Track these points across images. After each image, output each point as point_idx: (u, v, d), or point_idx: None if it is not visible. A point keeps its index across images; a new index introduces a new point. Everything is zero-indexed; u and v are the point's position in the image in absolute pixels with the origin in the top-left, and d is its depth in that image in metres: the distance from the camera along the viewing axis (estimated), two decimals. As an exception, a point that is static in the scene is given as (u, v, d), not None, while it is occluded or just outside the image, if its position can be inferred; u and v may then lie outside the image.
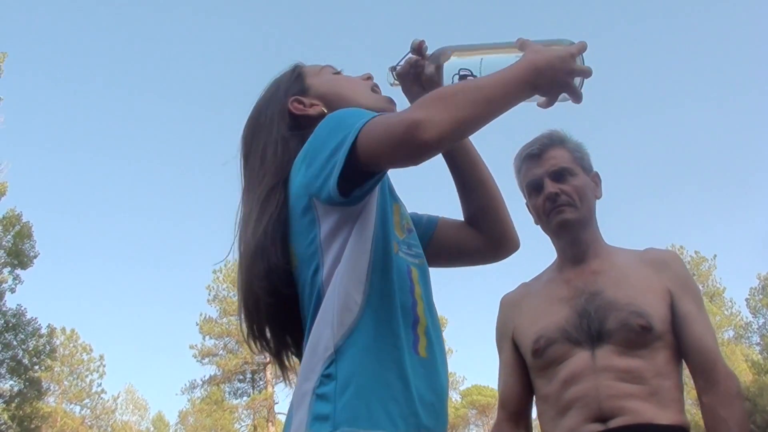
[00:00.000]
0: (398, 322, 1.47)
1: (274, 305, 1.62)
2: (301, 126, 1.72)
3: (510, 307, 2.58)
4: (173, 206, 70.52)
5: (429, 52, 1.77)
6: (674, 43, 64.26)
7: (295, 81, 1.83)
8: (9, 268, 26.30)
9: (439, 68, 1.74)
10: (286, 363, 1.69)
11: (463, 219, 1.90)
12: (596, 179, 2.57)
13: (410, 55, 1.79)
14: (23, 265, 26.45)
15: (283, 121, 1.75)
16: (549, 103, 1.58)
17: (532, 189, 2.48)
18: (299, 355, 1.64)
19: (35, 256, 26.98)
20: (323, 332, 1.44)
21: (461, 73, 1.69)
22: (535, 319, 2.42)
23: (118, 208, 68.40)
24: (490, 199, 1.87)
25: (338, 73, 1.88)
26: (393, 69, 1.82)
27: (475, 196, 1.86)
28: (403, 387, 1.41)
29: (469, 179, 1.86)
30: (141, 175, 68.38)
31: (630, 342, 2.22)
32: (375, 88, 1.84)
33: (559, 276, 2.50)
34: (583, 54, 1.58)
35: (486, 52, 1.70)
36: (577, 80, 1.56)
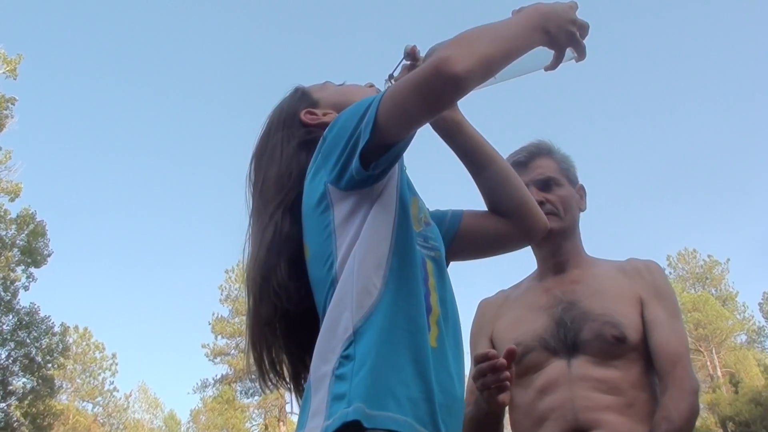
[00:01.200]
0: (417, 309, 1.48)
1: (287, 334, 1.68)
2: (315, 136, 1.71)
3: (489, 309, 2.57)
4: (187, 206, 70.71)
5: (422, 54, 1.79)
6: (695, 51, 63.97)
7: (300, 100, 1.86)
8: (23, 267, 26.43)
9: None
10: (303, 386, 1.69)
11: (486, 209, 1.90)
12: (581, 192, 2.58)
13: (405, 61, 1.81)
14: (37, 264, 26.56)
15: (292, 138, 1.77)
16: (557, 61, 1.63)
17: None
18: None
19: (49, 255, 27.13)
20: (342, 314, 1.44)
21: None
22: (514, 325, 2.40)
23: (131, 208, 68.68)
24: (503, 177, 1.85)
25: (341, 85, 1.94)
26: (390, 77, 1.83)
27: (486, 175, 1.85)
28: (414, 372, 1.41)
29: (476, 158, 1.85)
30: (155, 174, 68.56)
31: (604, 352, 2.21)
32: (375, 91, 1.87)
33: (538, 285, 2.49)
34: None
35: None
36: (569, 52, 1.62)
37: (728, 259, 43.46)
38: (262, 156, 1.81)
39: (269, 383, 1.73)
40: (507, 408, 2.33)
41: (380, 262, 1.48)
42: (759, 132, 60.67)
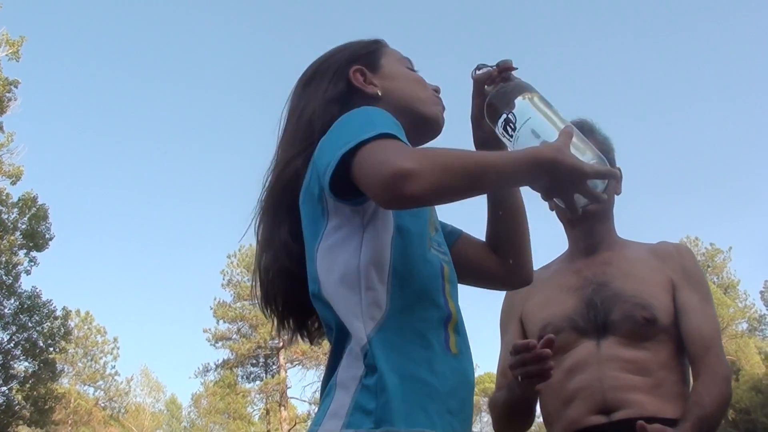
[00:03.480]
0: (427, 322, 1.44)
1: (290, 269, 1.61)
2: (352, 99, 1.66)
3: (518, 291, 2.51)
4: (189, 190, 70.84)
5: (516, 73, 1.68)
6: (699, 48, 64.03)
7: (368, 53, 1.77)
8: (25, 250, 26.43)
9: (501, 100, 1.62)
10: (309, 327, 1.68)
11: (484, 240, 1.83)
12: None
13: (494, 68, 1.70)
14: (39, 248, 26.55)
15: (335, 87, 1.69)
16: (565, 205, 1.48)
17: None
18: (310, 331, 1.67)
19: (51, 239, 27.08)
20: (353, 324, 1.40)
21: (505, 124, 1.59)
22: (543, 306, 2.40)
23: (134, 192, 68.77)
24: (518, 230, 1.80)
25: (414, 70, 1.82)
26: (477, 69, 1.73)
27: (504, 222, 1.79)
28: (438, 384, 1.38)
29: (504, 205, 1.78)
30: (157, 158, 68.63)
31: (634, 334, 2.21)
32: (436, 95, 1.79)
33: (569, 266, 2.48)
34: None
35: (542, 113, 1.56)
36: (599, 183, 1.46)
37: (730, 248, 43.42)
38: (309, 85, 1.73)
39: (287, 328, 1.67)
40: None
41: (382, 277, 1.42)
42: (761, 124, 60.74)
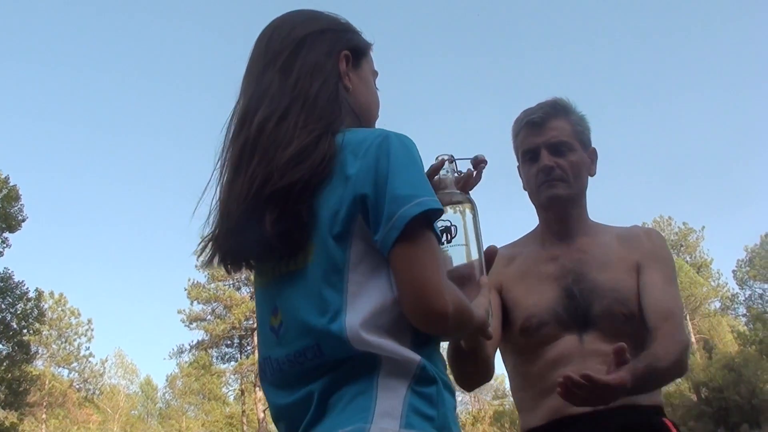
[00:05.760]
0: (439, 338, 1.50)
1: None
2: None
3: (497, 260, 2.47)
4: (163, 172, 70.52)
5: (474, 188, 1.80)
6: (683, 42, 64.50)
7: (361, 49, 1.69)
8: (-4, 232, 26.26)
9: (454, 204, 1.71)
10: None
11: None
12: (593, 156, 2.50)
13: (469, 167, 1.82)
14: (11, 229, 26.42)
15: (336, 67, 1.60)
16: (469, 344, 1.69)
17: (528, 158, 2.41)
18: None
19: (23, 220, 26.99)
20: (396, 351, 1.35)
21: (446, 230, 1.68)
22: (524, 294, 2.36)
23: (107, 173, 68.38)
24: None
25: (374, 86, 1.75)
26: (448, 159, 1.79)
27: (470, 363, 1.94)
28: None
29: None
30: (130, 140, 68.22)
31: (615, 329, 2.20)
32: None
33: (544, 252, 2.44)
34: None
35: (476, 241, 1.70)
36: None
37: (703, 227, 43.92)
38: (318, 35, 1.61)
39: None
40: (509, 373, 2.42)
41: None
42: (737, 110, 61.35)
